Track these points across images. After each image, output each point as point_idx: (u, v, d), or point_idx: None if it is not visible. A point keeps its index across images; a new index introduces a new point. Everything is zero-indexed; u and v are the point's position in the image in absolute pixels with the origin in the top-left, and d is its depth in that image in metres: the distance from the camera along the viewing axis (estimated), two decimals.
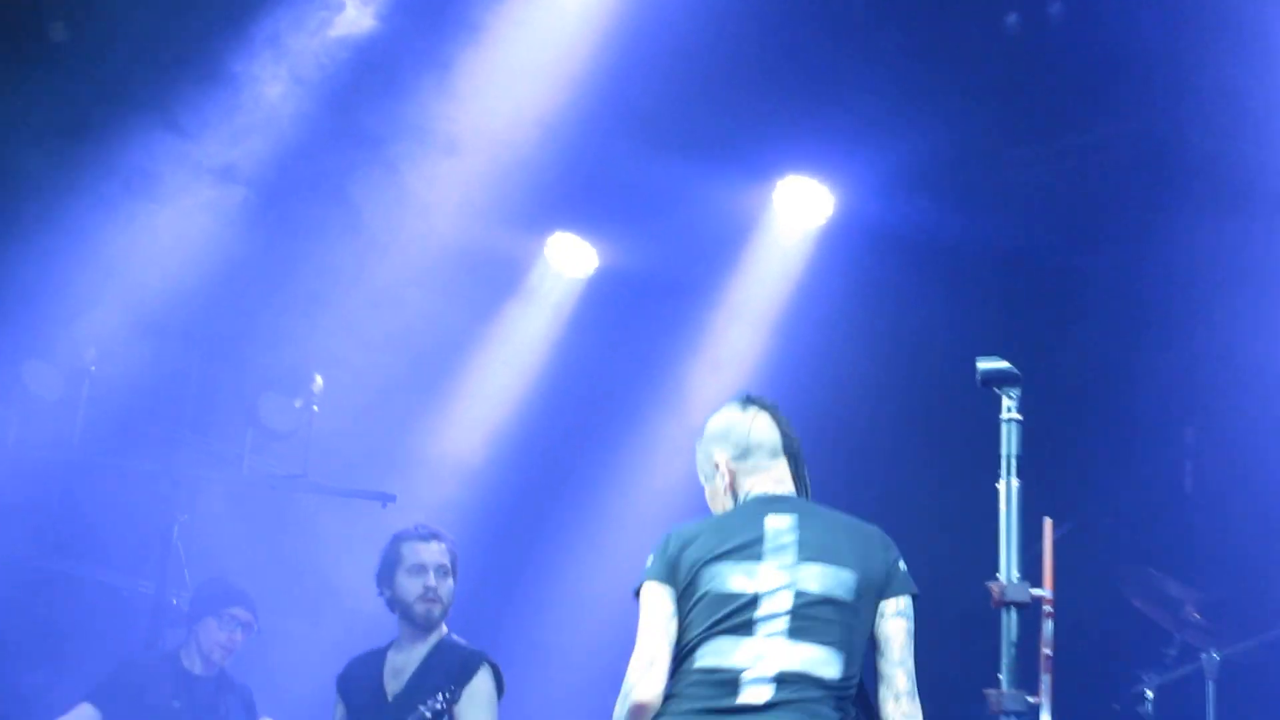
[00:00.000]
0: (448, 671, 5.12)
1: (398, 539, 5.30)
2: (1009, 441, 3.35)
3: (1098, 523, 6.85)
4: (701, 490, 5.66)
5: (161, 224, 7.08)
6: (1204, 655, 6.07)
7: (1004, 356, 3.59)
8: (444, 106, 7.22)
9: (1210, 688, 6.02)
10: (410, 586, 5.15)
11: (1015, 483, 3.29)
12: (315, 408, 7.08)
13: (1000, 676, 3.25)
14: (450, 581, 5.22)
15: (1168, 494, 7.38)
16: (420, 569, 5.10)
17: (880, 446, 7.68)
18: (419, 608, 5.10)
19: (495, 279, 8.37)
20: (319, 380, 7.11)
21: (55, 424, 6.95)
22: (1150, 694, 6.35)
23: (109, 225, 6.87)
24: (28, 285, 6.81)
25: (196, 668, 5.93)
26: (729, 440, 3.92)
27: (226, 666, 5.95)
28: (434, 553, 5.18)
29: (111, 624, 7.27)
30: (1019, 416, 3.36)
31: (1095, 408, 7.57)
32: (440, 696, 4.94)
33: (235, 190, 7.19)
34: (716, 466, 3.85)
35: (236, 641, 5.88)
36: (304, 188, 7.32)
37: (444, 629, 5.28)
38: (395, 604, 5.15)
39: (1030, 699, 3.17)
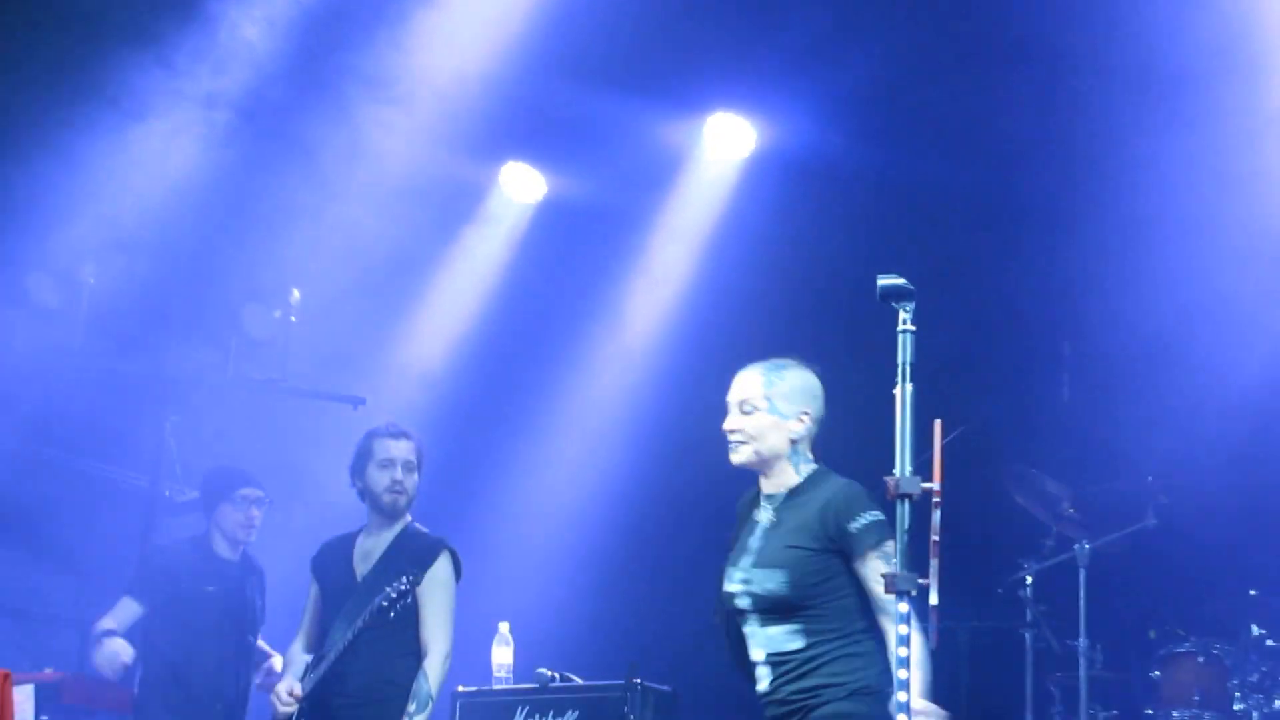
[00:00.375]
0: (411, 556, 5.30)
1: (370, 435, 5.50)
2: (904, 351, 3.45)
3: (985, 426, 6.91)
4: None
5: (149, 149, 7.04)
6: (1077, 546, 6.38)
7: (905, 275, 3.71)
8: (400, 53, 7.30)
9: (1082, 575, 6.31)
10: (379, 479, 5.36)
11: (909, 388, 3.41)
12: (293, 318, 7.24)
13: (896, 561, 3.41)
14: (415, 476, 5.40)
15: (1048, 402, 7.60)
16: (389, 463, 5.30)
17: (796, 355, 7.93)
18: (386, 498, 5.32)
19: (455, 206, 8.49)
20: (296, 293, 7.26)
21: (57, 331, 7.00)
22: (1029, 579, 6.75)
23: (101, 149, 6.86)
24: (27, 205, 6.81)
25: (224, 551, 6.03)
26: (819, 402, 4.25)
27: (249, 548, 6.02)
28: (402, 449, 5.37)
29: (108, 514, 7.37)
30: (913, 328, 3.47)
31: (985, 323, 7.66)
32: (404, 579, 5.10)
33: (216, 117, 7.17)
34: (806, 414, 4.16)
35: (254, 518, 5.95)
36: (278, 118, 7.33)
37: (408, 518, 5.47)
38: (365, 494, 5.38)
39: (921, 580, 3.29)
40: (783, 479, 4.20)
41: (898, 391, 3.40)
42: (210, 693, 5.78)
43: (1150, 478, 6.63)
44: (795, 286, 8.08)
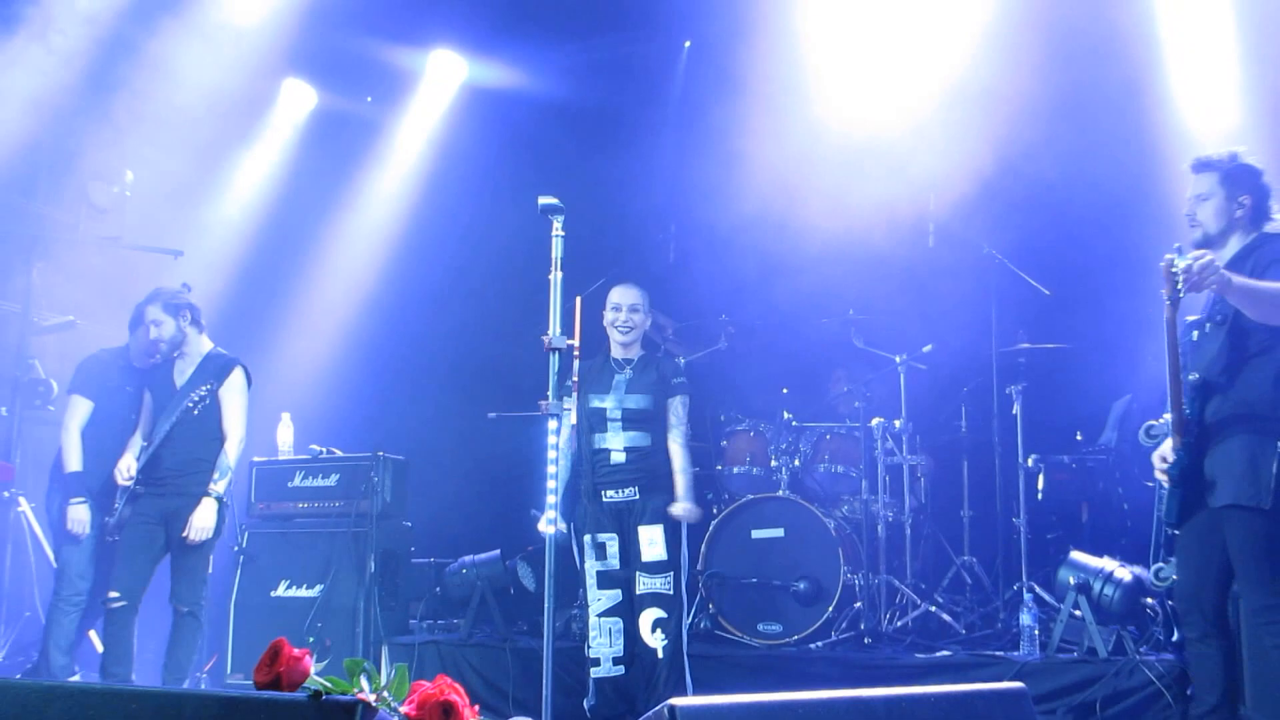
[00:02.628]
0: (213, 371, 5.67)
1: (141, 304, 5.80)
2: (556, 249, 4.03)
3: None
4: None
5: (24, 58, 7.11)
6: (677, 359, 6.18)
7: (560, 181, 4.57)
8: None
9: None
10: (141, 337, 5.78)
11: (559, 275, 3.98)
12: (128, 193, 7.68)
13: (548, 394, 4.02)
14: (171, 322, 5.62)
15: (660, 265, 8.05)
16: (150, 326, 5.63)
17: (494, 249, 8.31)
18: (151, 352, 5.72)
19: (249, 110, 8.68)
20: (129, 174, 7.70)
21: None
22: None
23: None
24: None
25: (136, 362, 6.02)
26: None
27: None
28: (154, 311, 5.66)
29: None
30: (562, 233, 4.05)
31: (613, 217, 8.13)
32: (204, 387, 5.57)
33: (71, 35, 7.24)
34: (650, 316, 5.31)
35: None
36: (110, 43, 7.45)
37: (211, 345, 5.77)
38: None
39: (566, 406, 4.09)
40: (634, 352, 5.34)
41: (552, 277, 3.96)
42: (111, 465, 5.67)
43: (723, 315, 7.23)
44: (487, 198, 8.44)
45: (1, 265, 7.45)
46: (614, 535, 5.07)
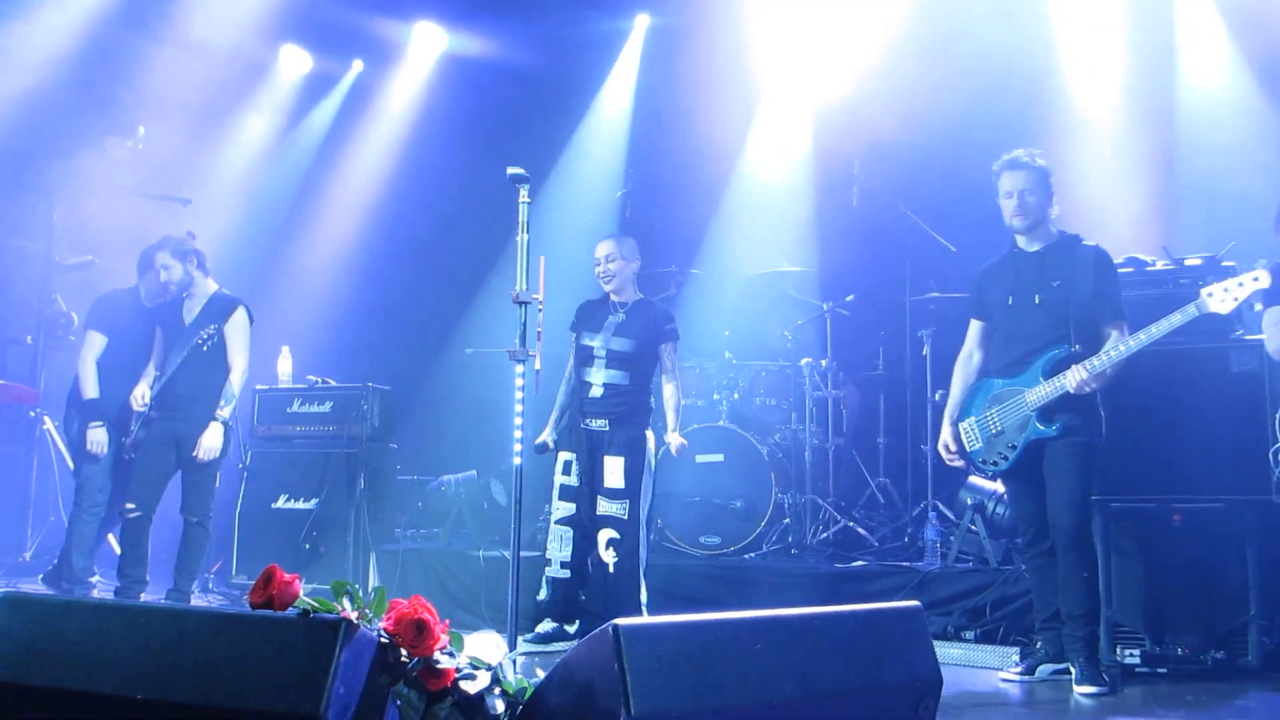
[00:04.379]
0: (218, 310, 5.64)
1: (147, 251, 5.86)
2: (522, 214, 3.98)
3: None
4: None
5: (39, 27, 7.15)
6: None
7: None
8: None
9: None
10: (151, 279, 5.81)
11: (525, 238, 3.93)
12: (141, 146, 7.44)
13: (516, 340, 3.97)
14: (179, 266, 5.57)
15: (618, 220, 7.31)
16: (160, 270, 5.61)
17: (471, 203, 8.14)
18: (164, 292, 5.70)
19: (250, 73, 8.56)
20: (142, 130, 7.47)
21: None
22: None
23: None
24: None
25: (146, 301, 5.98)
26: (638, 253, 5.28)
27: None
28: (164, 258, 5.59)
29: (16, 272, 7.47)
30: (528, 200, 3.98)
31: (575, 176, 8.06)
32: (211, 326, 5.55)
33: (77, 8, 7.20)
34: (637, 260, 5.19)
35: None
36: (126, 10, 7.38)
37: (215, 286, 5.70)
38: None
39: (532, 353, 3.93)
40: (627, 295, 5.26)
41: (519, 239, 3.95)
42: (126, 397, 5.64)
43: (673, 266, 7.07)
44: (469, 146, 8.33)
45: (26, 209, 7.43)
46: (575, 455, 5.05)
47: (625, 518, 4.96)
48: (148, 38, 7.56)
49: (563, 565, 5.09)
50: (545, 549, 5.18)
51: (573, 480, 5.09)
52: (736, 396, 6.62)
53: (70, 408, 5.97)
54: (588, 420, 5.08)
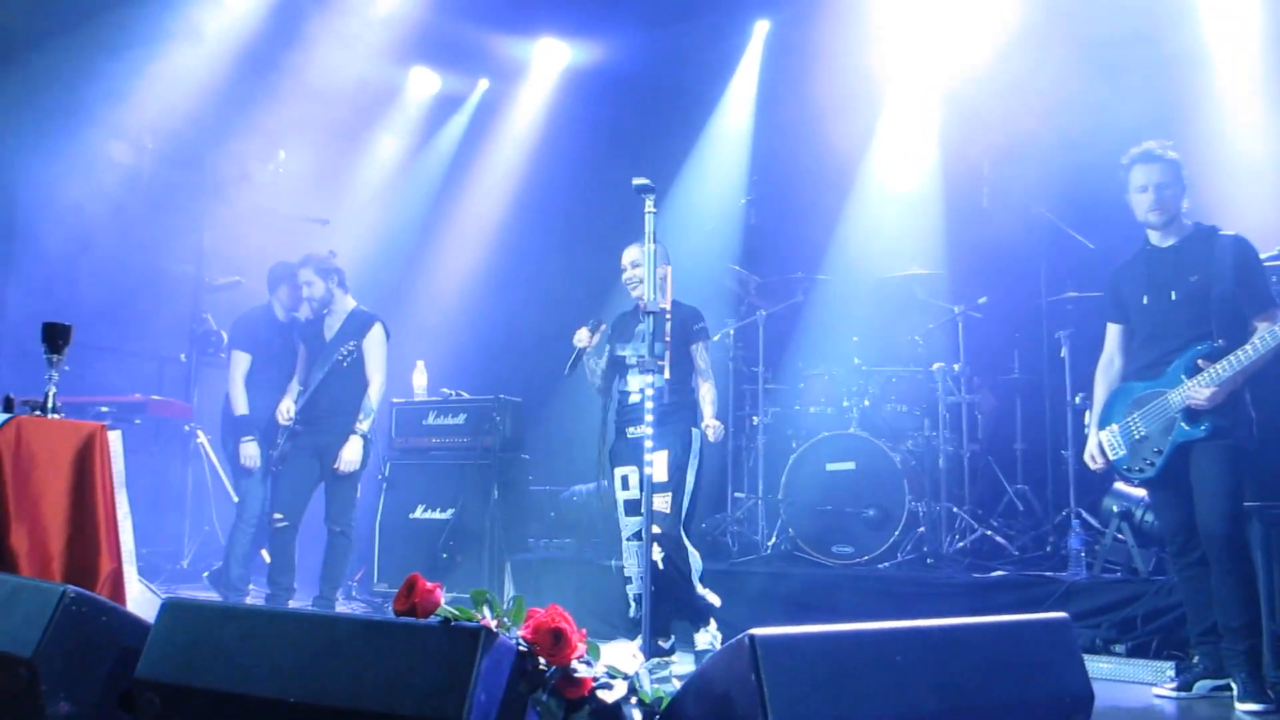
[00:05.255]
0: (357, 328, 5.79)
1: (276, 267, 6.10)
2: (649, 224, 3.98)
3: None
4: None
5: (177, 63, 7.34)
6: (759, 312, 6.85)
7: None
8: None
9: (761, 329, 6.80)
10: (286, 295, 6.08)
11: (653, 247, 3.96)
12: (281, 170, 7.75)
13: (645, 349, 3.97)
14: (321, 283, 5.75)
15: (742, 228, 7.82)
16: (303, 286, 5.80)
17: (592, 218, 8.23)
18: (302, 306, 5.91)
19: (379, 97, 8.84)
20: (282, 154, 7.78)
21: (131, 176, 7.37)
22: (731, 332, 7.03)
23: (139, 65, 7.22)
24: (105, 99, 7.11)
25: (282, 317, 6.22)
26: (668, 261, 4.82)
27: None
28: (307, 274, 5.78)
29: (167, 294, 7.75)
30: (654, 210, 3.97)
31: (698, 187, 8.16)
32: (351, 342, 5.68)
33: (217, 44, 7.54)
34: (667, 267, 4.73)
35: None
36: (255, 44, 7.66)
37: (355, 303, 5.85)
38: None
39: (660, 361, 3.95)
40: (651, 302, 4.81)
41: (646, 248, 3.98)
42: (271, 411, 5.81)
43: (799, 272, 7.05)
44: (588, 171, 8.40)
45: (178, 232, 7.77)
46: (634, 468, 4.92)
47: (667, 511, 4.79)
48: (285, 65, 7.84)
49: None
50: (624, 567, 5.03)
51: (634, 494, 4.96)
52: (867, 403, 6.51)
53: (224, 426, 6.20)
54: (631, 429, 4.98)
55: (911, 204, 7.30)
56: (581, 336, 4.91)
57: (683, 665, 4.60)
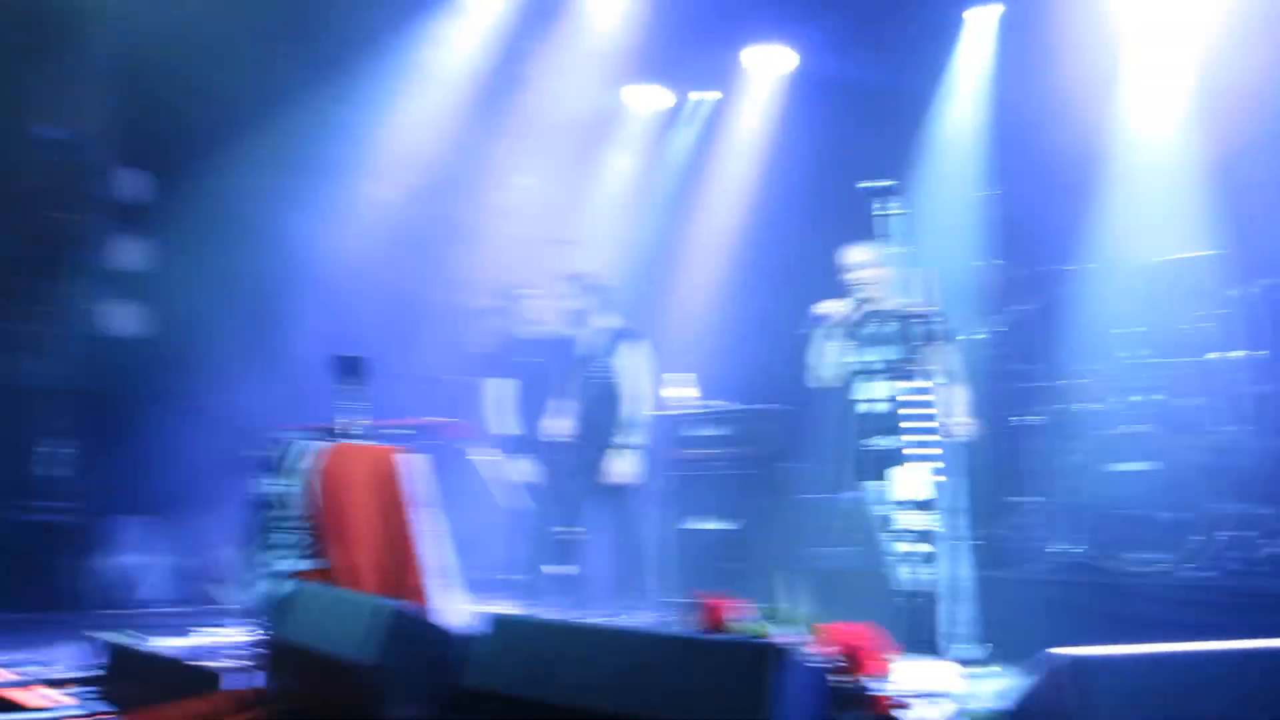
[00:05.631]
0: (621, 343, 5.97)
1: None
2: (890, 225, 4.08)
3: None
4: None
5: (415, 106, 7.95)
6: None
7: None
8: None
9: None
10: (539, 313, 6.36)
11: (894, 248, 4.10)
12: (532, 194, 8.33)
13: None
14: (584, 302, 5.98)
15: (989, 217, 7.48)
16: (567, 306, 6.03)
17: (812, 226, 7.59)
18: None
19: (600, 115, 8.95)
20: (527, 180, 8.33)
21: (389, 212, 7.83)
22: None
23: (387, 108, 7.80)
24: (348, 146, 7.61)
25: (545, 337, 6.38)
26: None
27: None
28: (572, 294, 6.00)
29: (438, 320, 7.93)
30: (895, 212, 4.04)
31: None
32: (617, 357, 5.88)
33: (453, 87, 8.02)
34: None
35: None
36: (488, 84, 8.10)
37: (618, 320, 6.03)
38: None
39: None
40: (883, 304, 5.01)
41: (889, 250, 4.10)
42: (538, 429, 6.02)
43: (1058, 264, 6.65)
44: (810, 178, 8.15)
45: (442, 261, 8.19)
46: (887, 483, 4.82)
47: (930, 526, 4.61)
48: (521, 93, 8.23)
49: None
50: (897, 578, 4.84)
51: (893, 508, 4.83)
52: (1160, 397, 6.11)
53: (500, 444, 6.46)
54: (879, 439, 4.90)
55: (1174, 180, 6.81)
56: (832, 307, 4.84)
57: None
